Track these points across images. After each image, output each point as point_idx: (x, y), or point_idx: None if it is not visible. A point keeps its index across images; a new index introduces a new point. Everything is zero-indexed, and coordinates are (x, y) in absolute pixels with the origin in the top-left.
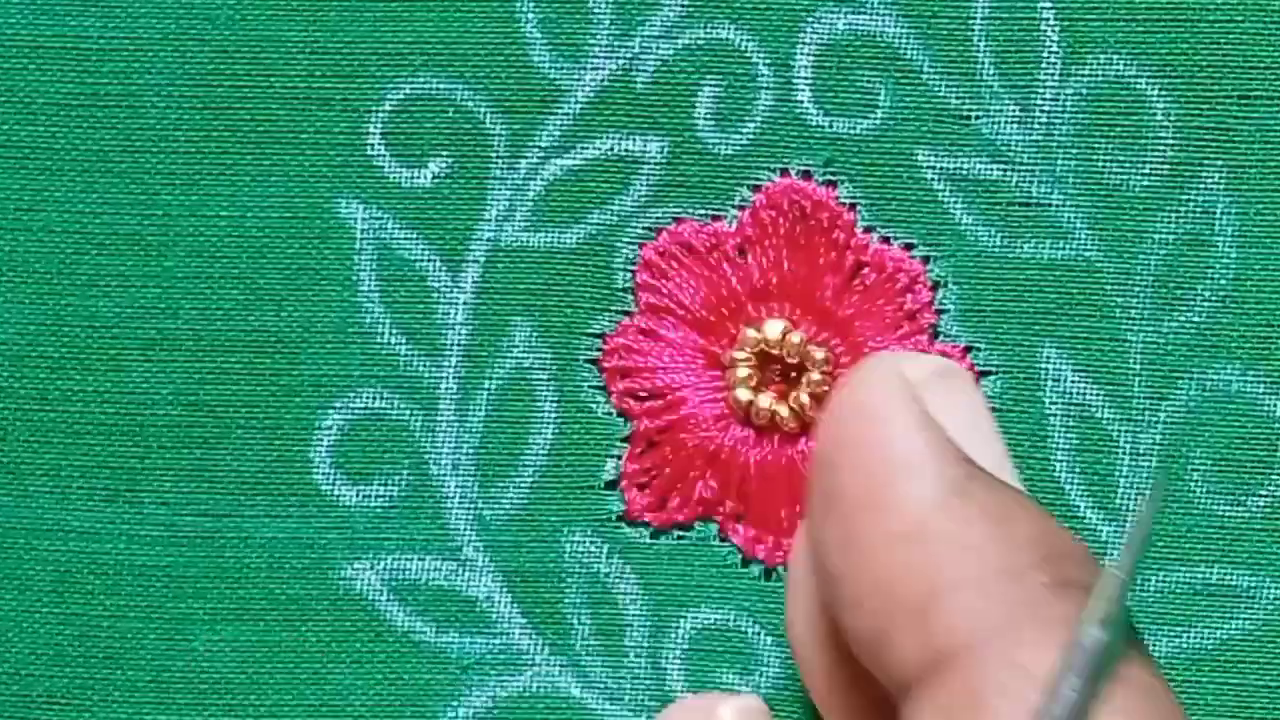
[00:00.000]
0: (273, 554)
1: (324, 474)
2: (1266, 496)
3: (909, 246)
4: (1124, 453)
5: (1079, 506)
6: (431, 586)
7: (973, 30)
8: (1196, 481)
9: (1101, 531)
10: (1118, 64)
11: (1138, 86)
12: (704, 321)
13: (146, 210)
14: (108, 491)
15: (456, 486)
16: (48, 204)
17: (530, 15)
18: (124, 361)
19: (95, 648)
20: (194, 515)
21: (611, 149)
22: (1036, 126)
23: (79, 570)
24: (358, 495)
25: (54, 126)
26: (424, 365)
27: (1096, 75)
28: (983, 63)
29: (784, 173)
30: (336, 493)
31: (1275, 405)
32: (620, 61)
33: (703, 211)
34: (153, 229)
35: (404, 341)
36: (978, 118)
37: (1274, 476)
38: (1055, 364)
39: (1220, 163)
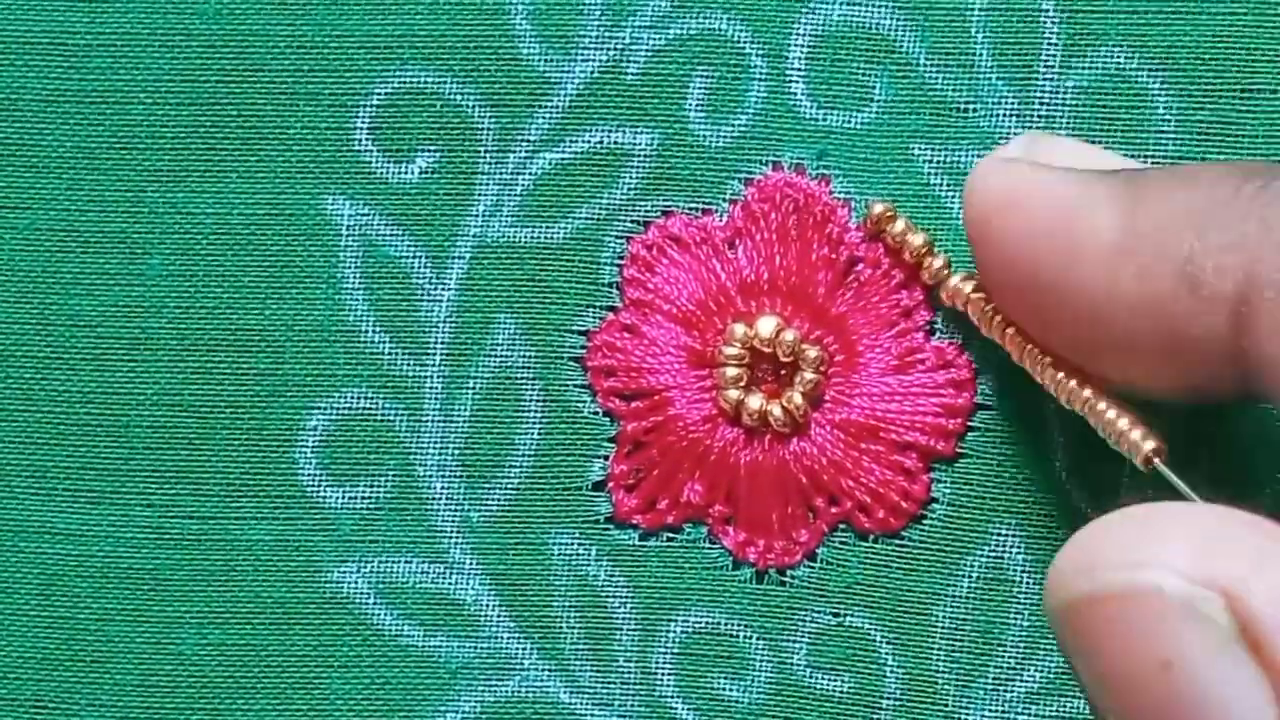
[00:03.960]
0: (259, 557)
1: (309, 475)
2: (1271, 496)
3: None
4: None
5: (1080, 507)
6: (419, 589)
7: (971, 22)
8: (1199, 480)
9: None
10: (1119, 57)
11: (1139, 80)
12: (691, 317)
13: (131, 208)
14: (93, 493)
15: (443, 488)
16: (32, 202)
17: (520, 7)
18: (108, 361)
19: (82, 651)
20: (180, 518)
21: (601, 142)
22: (1036, 120)
23: (65, 573)
24: (343, 497)
25: (39, 123)
26: (408, 364)
27: (1097, 68)
28: (981, 55)
29: (776, 166)
30: (322, 494)
31: None
32: (610, 53)
33: (693, 205)
34: (137, 227)
35: (388, 340)
36: (975, 110)
37: (1278, 475)
38: None
39: (1222, 158)
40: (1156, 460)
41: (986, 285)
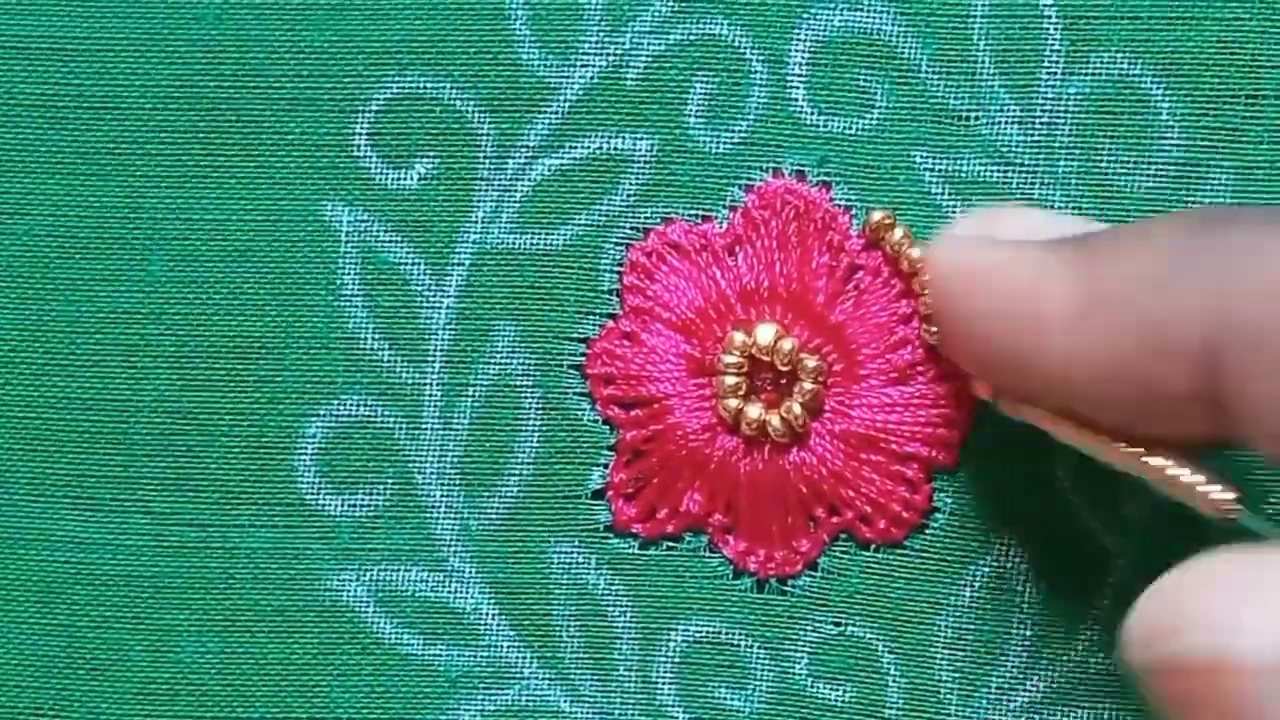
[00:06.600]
0: (258, 564)
1: (308, 483)
2: (1276, 504)
3: None
4: None
5: (1081, 516)
6: (418, 598)
7: (972, 28)
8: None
9: (1104, 540)
10: (1121, 62)
11: (1142, 86)
12: (690, 324)
13: (130, 214)
14: (92, 501)
15: (442, 495)
16: (30, 207)
17: (520, 12)
18: (106, 367)
19: (81, 659)
20: (179, 525)
21: (600, 148)
22: (1038, 127)
23: (64, 581)
24: (343, 504)
25: (37, 128)
26: (407, 371)
27: (1100, 74)
28: (983, 61)
29: (777, 172)
30: (321, 502)
31: None
32: (610, 58)
33: (693, 211)
34: (136, 233)
35: (387, 347)
36: (977, 118)
37: None
38: None
39: (1227, 164)
40: (1237, 510)
41: (953, 359)
